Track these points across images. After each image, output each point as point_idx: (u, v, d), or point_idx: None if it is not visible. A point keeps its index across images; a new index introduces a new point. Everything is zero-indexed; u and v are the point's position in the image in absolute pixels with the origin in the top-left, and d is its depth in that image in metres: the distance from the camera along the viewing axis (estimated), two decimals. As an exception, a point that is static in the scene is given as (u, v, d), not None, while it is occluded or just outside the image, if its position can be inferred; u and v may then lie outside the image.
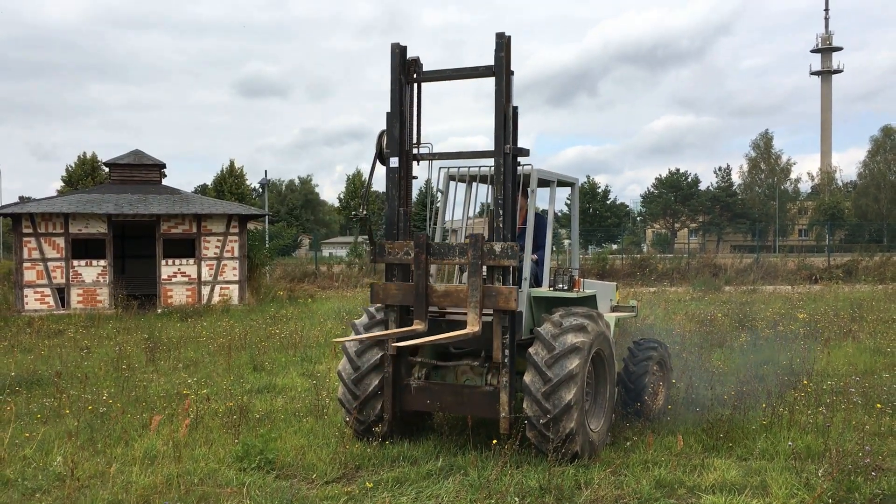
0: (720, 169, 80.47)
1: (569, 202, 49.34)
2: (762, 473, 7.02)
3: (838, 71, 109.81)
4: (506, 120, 7.56)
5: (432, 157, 8.25)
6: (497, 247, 7.55)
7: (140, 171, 25.25)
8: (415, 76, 8.14)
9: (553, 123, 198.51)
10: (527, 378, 7.41)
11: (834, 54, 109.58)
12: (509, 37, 7.66)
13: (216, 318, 19.73)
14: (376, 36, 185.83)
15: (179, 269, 23.47)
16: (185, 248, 24.12)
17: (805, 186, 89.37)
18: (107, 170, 57.13)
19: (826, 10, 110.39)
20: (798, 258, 33.90)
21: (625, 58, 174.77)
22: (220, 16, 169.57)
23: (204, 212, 23.65)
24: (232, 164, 60.94)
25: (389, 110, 8.06)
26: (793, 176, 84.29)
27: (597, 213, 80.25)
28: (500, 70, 7.63)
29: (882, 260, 32.82)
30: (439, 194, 9.00)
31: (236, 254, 23.94)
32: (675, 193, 77.24)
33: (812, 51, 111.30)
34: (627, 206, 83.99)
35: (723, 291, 27.68)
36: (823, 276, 31.96)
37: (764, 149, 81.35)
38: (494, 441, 7.44)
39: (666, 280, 33.43)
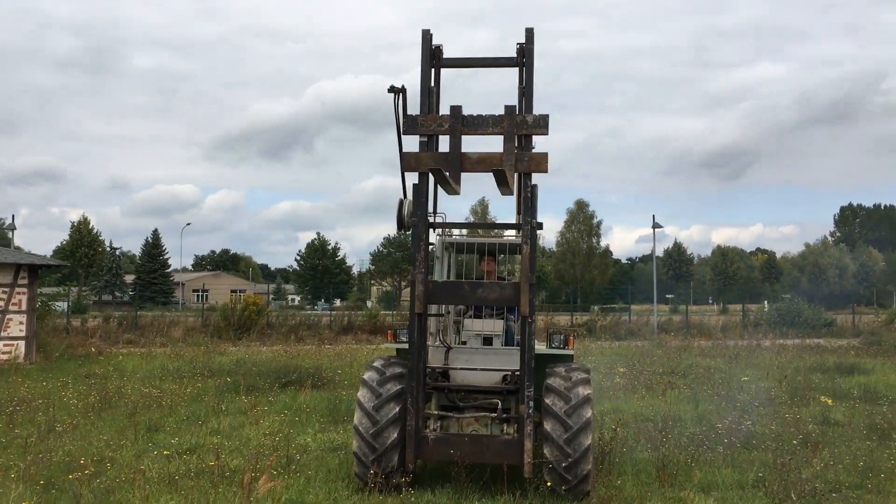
0: (442, 232, 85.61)
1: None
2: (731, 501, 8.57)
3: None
4: (532, 197, 8.53)
5: (448, 226, 9.00)
6: (529, 118, 8.35)
7: None
8: (435, 62, 8.83)
9: (266, 177, 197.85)
10: (547, 426, 8.31)
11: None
12: (532, 28, 8.59)
13: (20, 378, 17.96)
14: (79, 73, 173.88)
15: (-46, 324, 20.95)
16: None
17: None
18: None
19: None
20: (546, 317, 37.62)
21: (341, 117, 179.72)
22: None
23: (-12, 260, 21.41)
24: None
25: (416, 182, 8.67)
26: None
27: (327, 270, 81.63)
28: (530, 60, 8.53)
29: (615, 320, 37.72)
30: (435, 260, 9.74)
31: (24, 307, 21.86)
32: (402, 252, 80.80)
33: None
34: (345, 263, 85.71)
35: (497, 347, 29.99)
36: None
37: (481, 215, 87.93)
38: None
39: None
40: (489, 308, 9.64)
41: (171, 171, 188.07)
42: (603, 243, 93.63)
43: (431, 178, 8.61)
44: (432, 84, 8.82)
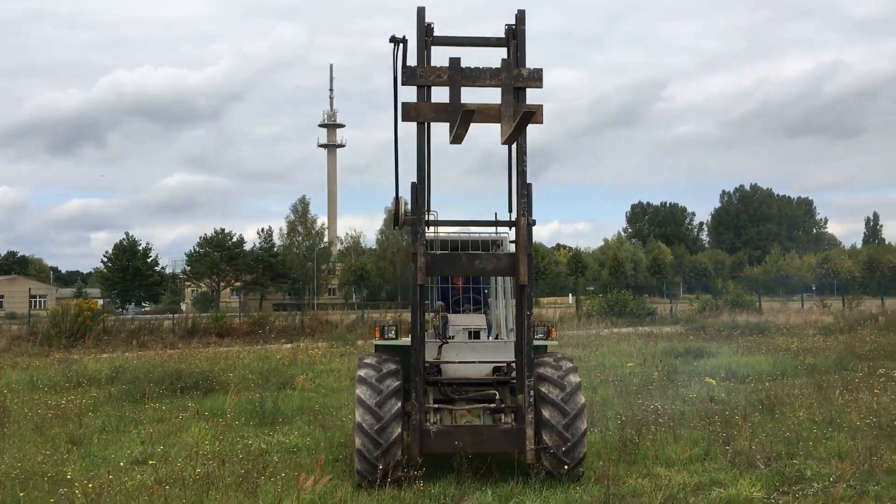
0: (262, 230, 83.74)
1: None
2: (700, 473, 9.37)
3: (341, 145, 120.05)
4: (528, 196, 8.86)
5: (441, 223, 9.18)
6: (524, 71, 8.64)
7: None
8: (427, 39, 8.98)
9: (53, 173, 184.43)
10: (546, 414, 8.70)
11: (338, 130, 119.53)
12: (524, 10, 8.91)
13: None
14: None
15: None
16: None
17: (335, 249, 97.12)
18: None
19: (331, 90, 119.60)
20: (383, 313, 37.99)
21: (138, 111, 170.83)
22: None
23: None
24: None
25: (416, 178, 8.76)
26: (326, 239, 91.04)
27: (138, 271, 77.48)
28: (522, 40, 8.85)
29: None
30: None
31: None
32: (221, 253, 78.14)
33: (319, 125, 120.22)
34: (157, 264, 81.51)
35: (356, 346, 29.96)
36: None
37: (301, 213, 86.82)
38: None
39: (283, 337, 34.47)
40: (474, 303, 9.91)
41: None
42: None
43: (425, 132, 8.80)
44: (425, 61, 8.93)
